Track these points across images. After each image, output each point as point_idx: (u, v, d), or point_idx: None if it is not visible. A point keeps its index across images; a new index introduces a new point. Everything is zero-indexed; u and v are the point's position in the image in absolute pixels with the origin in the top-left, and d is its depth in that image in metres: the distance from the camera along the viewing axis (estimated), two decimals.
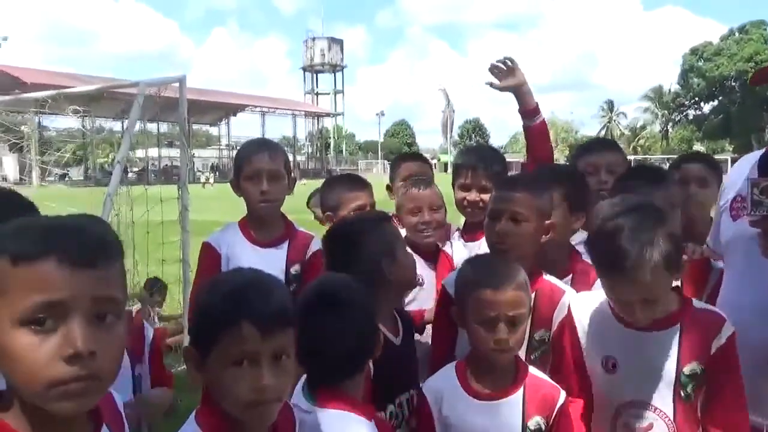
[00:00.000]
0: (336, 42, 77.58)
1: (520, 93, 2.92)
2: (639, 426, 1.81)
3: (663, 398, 1.78)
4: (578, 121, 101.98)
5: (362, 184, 2.86)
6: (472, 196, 2.71)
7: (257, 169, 2.44)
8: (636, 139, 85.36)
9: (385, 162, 64.36)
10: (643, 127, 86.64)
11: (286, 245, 2.52)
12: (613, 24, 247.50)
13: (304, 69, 77.97)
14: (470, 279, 1.87)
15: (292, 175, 2.60)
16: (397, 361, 1.93)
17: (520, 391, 1.82)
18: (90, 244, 0.97)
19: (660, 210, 1.73)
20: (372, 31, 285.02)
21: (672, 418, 1.78)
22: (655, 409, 1.79)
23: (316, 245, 2.49)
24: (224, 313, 1.22)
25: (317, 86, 78.54)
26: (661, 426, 1.79)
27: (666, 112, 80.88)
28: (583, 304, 1.98)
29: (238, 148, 2.87)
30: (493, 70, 2.92)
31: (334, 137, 77.08)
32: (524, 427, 1.80)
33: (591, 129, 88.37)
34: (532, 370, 1.90)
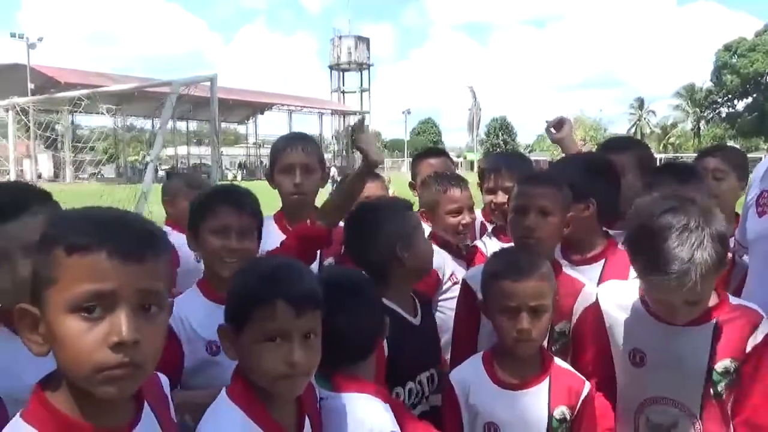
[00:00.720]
0: (362, 40, 77.43)
1: (565, 144, 3.09)
2: (663, 423, 1.79)
3: (691, 395, 1.75)
4: (607, 119, 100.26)
5: (373, 176, 2.91)
6: (499, 198, 2.75)
7: (291, 163, 2.50)
8: (666, 137, 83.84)
9: (411, 160, 64.18)
10: (674, 125, 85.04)
11: None
12: (644, 19, 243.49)
13: (331, 67, 77.88)
14: (494, 270, 1.91)
15: (327, 169, 2.68)
16: (417, 340, 2.00)
17: (546, 381, 1.86)
18: (139, 238, 1.04)
19: (707, 207, 1.66)
20: (398, 29, 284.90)
21: (698, 416, 1.75)
22: (682, 406, 1.76)
23: None
24: (260, 292, 1.31)
25: (344, 84, 78.48)
26: (686, 424, 1.76)
27: (698, 109, 79.30)
28: (611, 293, 1.97)
29: (265, 146, 2.93)
30: (549, 125, 3.16)
31: None
32: (550, 416, 1.83)
33: (620, 127, 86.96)
34: (557, 360, 1.93)
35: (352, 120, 75.96)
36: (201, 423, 1.35)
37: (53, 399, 1.04)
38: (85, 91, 6.59)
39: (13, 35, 37.76)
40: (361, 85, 76.68)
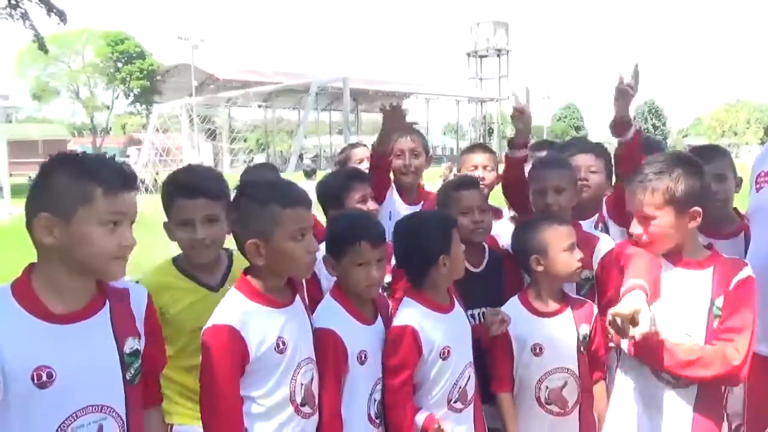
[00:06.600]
0: (501, 25, 75.67)
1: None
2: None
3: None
4: None
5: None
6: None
7: (401, 148, 3.29)
8: None
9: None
10: None
11: (421, 204, 3.32)
12: None
13: (469, 54, 77.33)
14: (548, 221, 2.50)
15: (430, 158, 3.48)
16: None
17: (569, 309, 2.48)
18: (305, 195, 1.99)
19: None
20: (538, 12, 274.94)
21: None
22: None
23: None
24: (349, 236, 2.12)
25: (482, 71, 77.40)
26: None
27: None
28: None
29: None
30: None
31: (497, 122, 75.84)
32: (577, 333, 2.44)
33: None
34: (571, 294, 2.53)
35: (490, 107, 74.96)
36: (315, 314, 2.13)
37: (251, 280, 1.95)
38: (240, 92, 7.54)
39: (180, 38, 41.50)
40: (500, 71, 75.30)
